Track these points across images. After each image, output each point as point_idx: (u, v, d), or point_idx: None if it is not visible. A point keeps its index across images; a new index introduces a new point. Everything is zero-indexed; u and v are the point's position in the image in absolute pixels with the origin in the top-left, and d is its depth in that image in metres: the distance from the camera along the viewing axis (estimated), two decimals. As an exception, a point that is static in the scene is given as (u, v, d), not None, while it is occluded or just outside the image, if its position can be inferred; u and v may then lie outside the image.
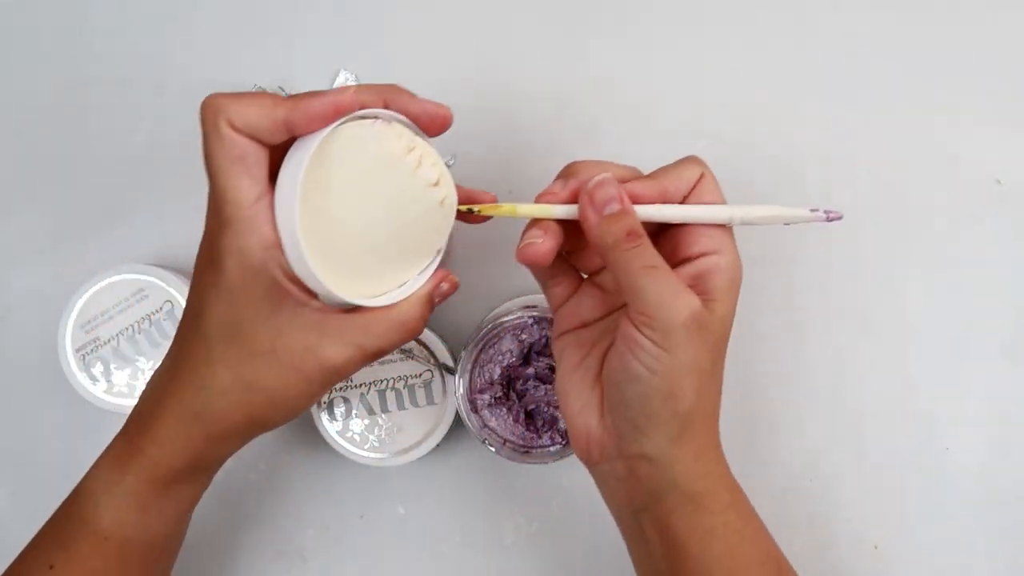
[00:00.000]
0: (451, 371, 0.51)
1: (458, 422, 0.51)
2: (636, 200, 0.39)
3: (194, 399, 0.39)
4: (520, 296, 0.53)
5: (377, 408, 0.51)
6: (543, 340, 0.50)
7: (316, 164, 0.36)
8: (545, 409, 0.50)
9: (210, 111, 0.36)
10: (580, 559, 0.55)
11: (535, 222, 0.40)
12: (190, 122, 0.55)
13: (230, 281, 0.36)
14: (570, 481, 0.55)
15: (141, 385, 0.51)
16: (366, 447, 0.51)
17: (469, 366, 0.49)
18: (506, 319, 0.49)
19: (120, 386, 0.51)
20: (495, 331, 0.49)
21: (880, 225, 0.55)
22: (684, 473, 0.38)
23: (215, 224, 0.36)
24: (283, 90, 0.55)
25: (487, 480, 0.55)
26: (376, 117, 0.37)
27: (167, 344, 0.50)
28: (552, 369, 0.50)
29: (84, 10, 0.56)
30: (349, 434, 0.51)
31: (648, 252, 0.38)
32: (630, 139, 0.55)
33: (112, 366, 0.51)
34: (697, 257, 0.39)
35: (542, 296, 0.53)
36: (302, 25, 0.56)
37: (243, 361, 0.38)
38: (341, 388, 0.51)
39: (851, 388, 0.54)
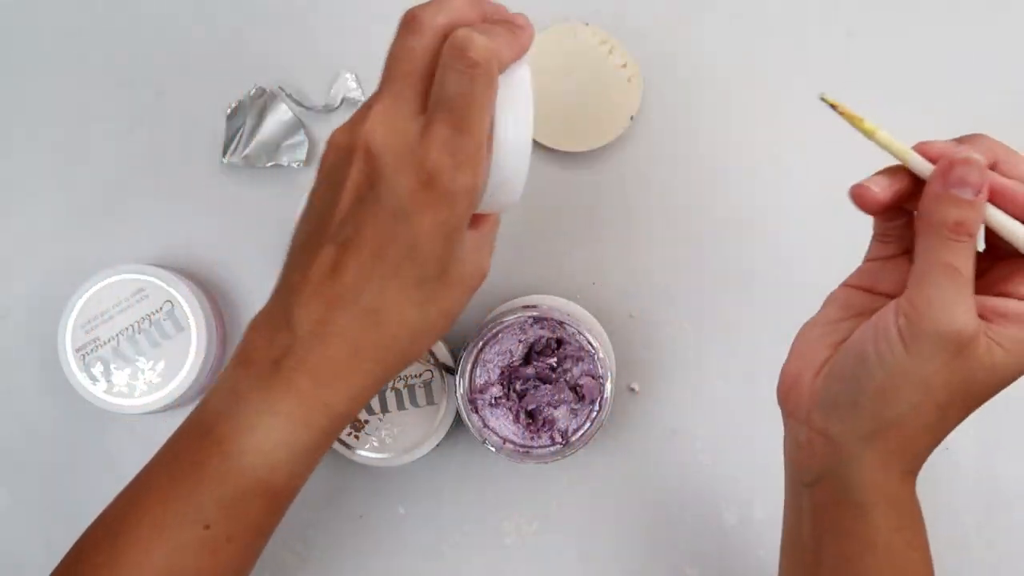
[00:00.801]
0: (451, 371, 0.51)
1: (458, 422, 0.51)
2: (1003, 201, 0.35)
3: (396, 351, 0.38)
4: (520, 296, 0.53)
5: (377, 408, 0.51)
6: (543, 340, 0.50)
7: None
8: (545, 409, 0.50)
9: (490, 57, 0.36)
10: (580, 559, 0.55)
11: (888, 169, 0.37)
12: (190, 122, 0.56)
13: (460, 218, 0.37)
14: (570, 481, 0.55)
15: (141, 385, 0.51)
16: (366, 447, 0.51)
17: (469, 366, 0.49)
18: (506, 319, 0.49)
19: (120, 386, 0.51)
20: (495, 331, 0.49)
21: (880, 225, 0.55)
22: (860, 475, 0.36)
23: (447, 162, 0.36)
24: (283, 90, 0.55)
25: (487, 480, 0.55)
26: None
27: (167, 344, 0.51)
28: (552, 369, 0.50)
29: (84, 10, 0.56)
30: (349, 434, 0.51)
31: (963, 254, 0.34)
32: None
33: (112, 366, 0.51)
34: (1015, 297, 0.35)
35: (542, 296, 0.53)
36: (302, 25, 0.56)
37: (447, 296, 0.38)
38: (341, 388, 0.51)
39: (851, 388, 0.54)
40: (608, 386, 0.49)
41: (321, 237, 0.38)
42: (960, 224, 0.34)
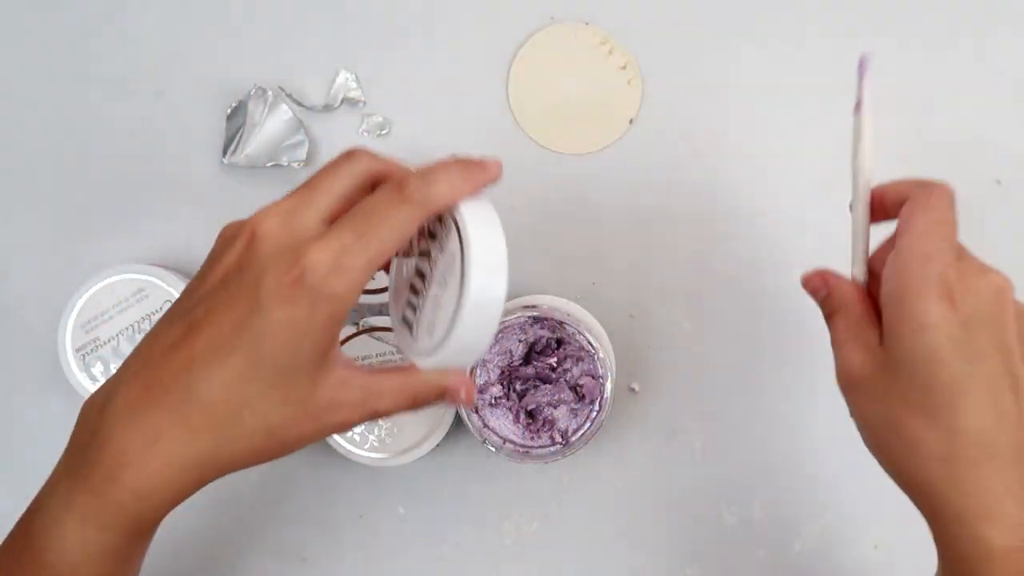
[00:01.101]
0: (451, 371, 0.51)
1: (458, 422, 0.51)
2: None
3: (203, 444, 0.35)
4: (520, 296, 0.53)
5: (377, 408, 0.51)
6: (543, 340, 0.50)
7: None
8: (545, 409, 0.50)
9: (427, 195, 0.35)
10: (580, 559, 0.55)
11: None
12: (190, 122, 0.56)
13: (317, 325, 0.34)
14: (570, 481, 0.55)
15: (141, 385, 0.51)
16: (366, 447, 0.51)
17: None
18: (506, 319, 0.49)
19: (120, 386, 0.51)
20: (495, 331, 0.49)
21: (880, 225, 0.55)
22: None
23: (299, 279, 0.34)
24: (283, 90, 0.55)
25: (487, 480, 0.55)
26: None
27: (167, 344, 0.51)
28: (552, 369, 0.50)
29: (84, 10, 0.56)
30: (349, 434, 0.51)
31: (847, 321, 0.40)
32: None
33: (112, 366, 0.51)
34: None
35: (542, 296, 0.53)
36: (302, 25, 0.56)
37: (275, 408, 0.35)
38: (341, 388, 0.51)
39: (851, 388, 0.54)
40: (608, 386, 0.49)
41: (174, 315, 0.37)
42: (834, 308, 0.41)
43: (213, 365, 0.34)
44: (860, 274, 0.42)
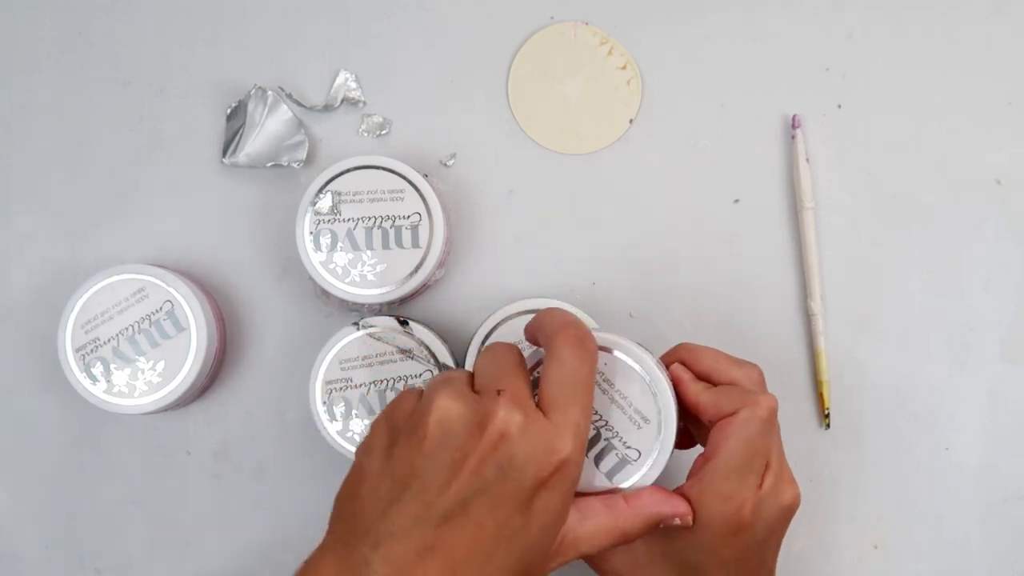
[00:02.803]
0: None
1: (458, 422, 0.51)
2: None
3: None
4: (520, 299, 0.53)
5: (377, 408, 0.51)
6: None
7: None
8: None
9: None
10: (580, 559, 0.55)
11: None
12: (190, 122, 0.56)
13: (564, 511, 0.38)
14: (570, 481, 0.55)
15: (141, 385, 0.51)
16: (366, 447, 0.51)
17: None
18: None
19: (120, 386, 0.51)
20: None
21: (880, 225, 0.55)
22: None
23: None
24: (283, 90, 0.55)
25: (487, 480, 0.55)
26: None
27: (167, 344, 0.51)
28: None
29: (84, 9, 0.56)
30: (349, 434, 0.51)
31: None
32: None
33: (112, 366, 0.51)
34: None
35: (543, 299, 0.53)
36: (302, 25, 0.56)
37: None
38: (341, 388, 0.51)
39: (851, 387, 0.54)
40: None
41: (411, 507, 0.37)
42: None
43: (483, 570, 0.36)
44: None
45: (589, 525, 0.40)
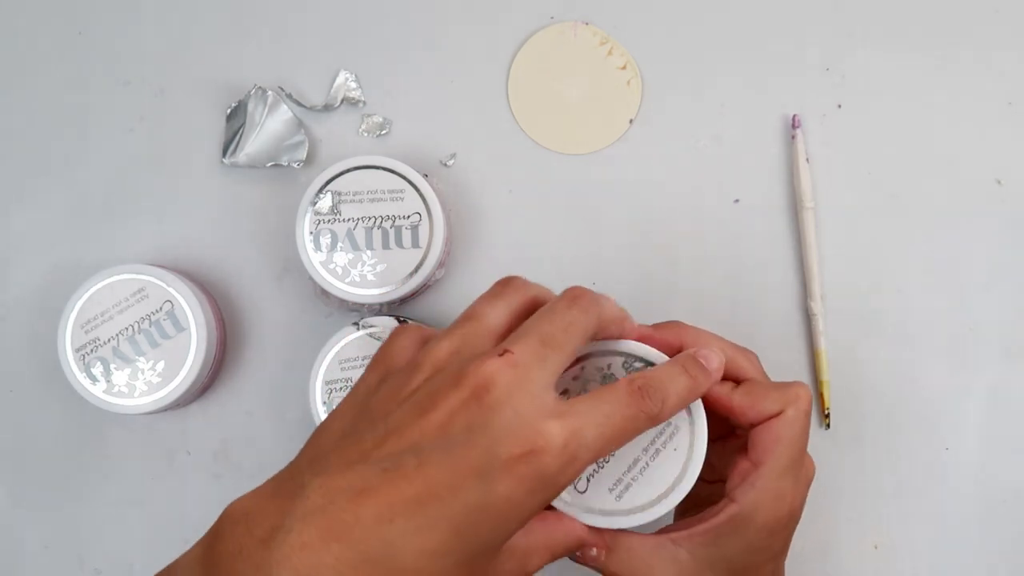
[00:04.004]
0: (451, 371, 0.51)
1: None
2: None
3: None
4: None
5: (377, 408, 0.51)
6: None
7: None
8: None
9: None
10: (580, 559, 0.55)
11: None
12: (190, 122, 0.56)
13: (530, 507, 0.33)
14: (570, 481, 0.55)
15: (141, 385, 0.51)
16: (366, 447, 0.51)
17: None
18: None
19: (120, 386, 0.51)
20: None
21: (880, 225, 0.55)
22: None
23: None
24: (283, 90, 0.55)
25: (487, 480, 0.55)
26: None
27: (167, 344, 0.51)
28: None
29: (84, 9, 0.56)
30: (349, 434, 0.51)
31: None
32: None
33: (112, 366, 0.51)
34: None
35: (542, 296, 0.53)
36: (302, 25, 0.56)
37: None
38: (341, 388, 0.51)
39: (850, 388, 0.54)
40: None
41: (356, 430, 0.34)
42: None
43: (419, 530, 0.31)
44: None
45: (532, 540, 0.36)
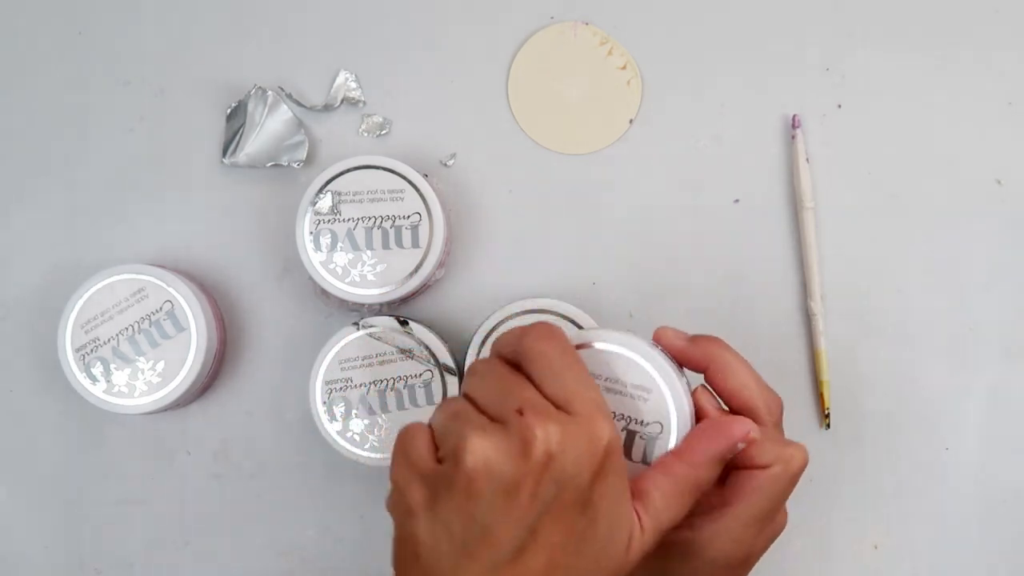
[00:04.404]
0: (451, 371, 0.51)
1: (458, 422, 0.51)
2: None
3: None
4: (521, 299, 0.53)
5: (377, 408, 0.51)
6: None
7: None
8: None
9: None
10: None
11: None
12: (190, 122, 0.56)
13: (623, 488, 0.37)
14: (570, 481, 0.55)
15: (141, 385, 0.51)
16: (366, 447, 0.51)
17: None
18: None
19: (120, 386, 0.51)
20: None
21: (880, 225, 0.55)
22: None
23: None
24: (283, 90, 0.55)
25: (487, 480, 0.55)
26: None
27: (167, 344, 0.51)
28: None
29: (84, 9, 0.56)
30: (349, 434, 0.51)
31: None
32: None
33: (112, 366, 0.51)
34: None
35: (543, 299, 0.53)
36: (302, 25, 0.56)
37: None
38: (341, 388, 0.51)
39: (850, 388, 0.54)
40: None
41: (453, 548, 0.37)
42: None
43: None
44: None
45: (656, 498, 0.38)
